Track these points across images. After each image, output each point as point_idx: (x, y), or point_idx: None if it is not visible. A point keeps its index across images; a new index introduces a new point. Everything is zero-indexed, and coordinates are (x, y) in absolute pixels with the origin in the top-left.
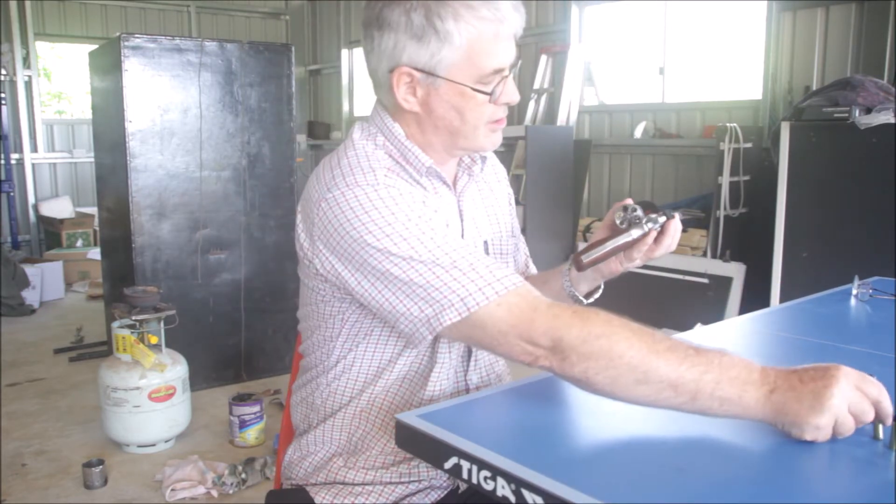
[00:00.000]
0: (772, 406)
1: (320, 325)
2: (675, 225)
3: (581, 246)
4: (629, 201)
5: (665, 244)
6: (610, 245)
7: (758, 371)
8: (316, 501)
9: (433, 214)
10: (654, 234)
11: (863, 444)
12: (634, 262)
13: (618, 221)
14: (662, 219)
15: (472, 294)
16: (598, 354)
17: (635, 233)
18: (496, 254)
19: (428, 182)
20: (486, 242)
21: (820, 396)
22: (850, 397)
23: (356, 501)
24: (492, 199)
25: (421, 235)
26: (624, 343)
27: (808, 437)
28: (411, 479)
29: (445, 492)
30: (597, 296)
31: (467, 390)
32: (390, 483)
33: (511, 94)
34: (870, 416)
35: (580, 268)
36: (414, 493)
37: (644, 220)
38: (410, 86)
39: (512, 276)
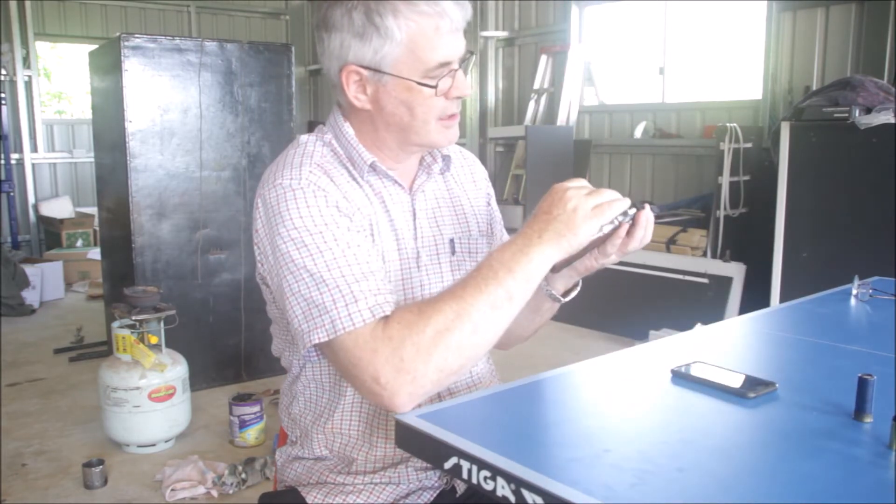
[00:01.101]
0: (549, 245)
1: (277, 328)
2: (647, 216)
3: None
4: None
5: (638, 236)
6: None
7: (519, 237)
8: (308, 501)
9: (346, 221)
10: (625, 227)
11: (863, 444)
12: (610, 258)
13: None
14: (633, 211)
15: (340, 318)
16: (433, 345)
17: (606, 228)
18: (464, 252)
19: (376, 180)
20: (451, 241)
21: (561, 206)
22: (576, 189)
23: (347, 500)
24: (464, 198)
25: (321, 245)
26: (439, 317)
27: (584, 225)
28: (402, 480)
29: (437, 492)
30: (574, 293)
31: (450, 394)
32: (381, 483)
33: (461, 87)
34: (607, 193)
35: (554, 269)
36: (406, 495)
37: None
38: (360, 84)
39: (383, 303)
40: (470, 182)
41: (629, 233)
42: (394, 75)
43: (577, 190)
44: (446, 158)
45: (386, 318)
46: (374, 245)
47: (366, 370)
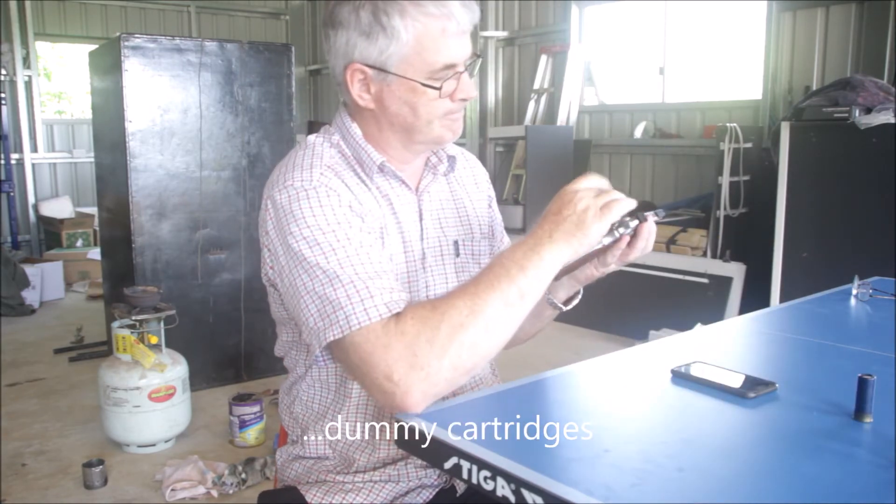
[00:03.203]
0: (559, 241)
1: (283, 329)
2: (649, 227)
3: None
4: None
5: (639, 247)
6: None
7: (530, 237)
8: (307, 500)
9: (358, 221)
10: (626, 239)
11: (863, 444)
12: (610, 267)
13: None
14: (634, 223)
15: (356, 314)
16: (448, 341)
17: (606, 240)
18: (467, 255)
19: (383, 181)
20: (455, 243)
21: (571, 207)
22: (585, 188)
23: (346, 499)
24: (466, 200)
25: (335, 243)
26: (454, 313)
27: (595, 226)
28: (401, 478)
29: (436, 490)
30: (576, 302)
31: (451, 394)
32: (380, 481)
33: (467, 90)
34: (605, 191)
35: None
36: (405, 493)
37: (616, 226)
38: (364, 83)
39: (396, 300)
40: (472, 184)
41: (630, 244)
42: (398, 75)
43: (586, 191)
44: (451, 159)
45: (399, 314)
46: (383, 248)
47: (378, 366)
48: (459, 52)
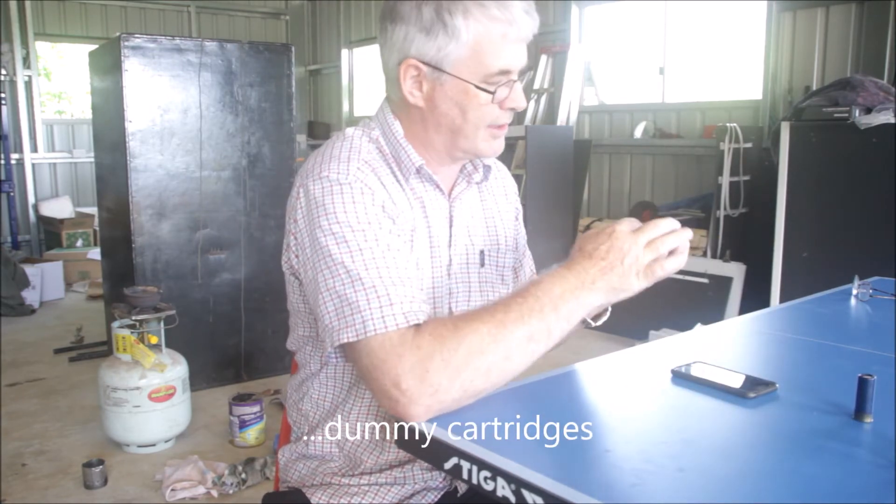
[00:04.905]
0: (600, 291)
1: (300, 322)
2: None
3: None
4: (631, 220)
5: (675, 262)
6: None
7: (566, 276)
8: (312, 502)
9: (388, 223)
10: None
11: (863, 444)
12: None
13: None
14: None
15: (373, 319)
16: (463, 365)
17: None
18: (492, 266)
19: (418, 183)
20: (482, 252)
21: (619, 257)
22: (636, 238)
23: (353, 501)
24: (495, 210)
25: (362, 243)
26: (474, 337)
27: (636, 289)
28: (406, 481)
29: (441, 493)
30: (605, 318)
31: None
32: (386, 484)
33: (518, 99)
34: (667, 243)
35: None
36: (410, 496)
37: None
38: (417, 79)
39: (416, 311)
40: (502, 195)
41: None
42: (453, 75)
43: (635, 243)
44: (487, 168)
45: (418, 326)
46: (411, 252)
47: (388, 374)
48: (516, 60)
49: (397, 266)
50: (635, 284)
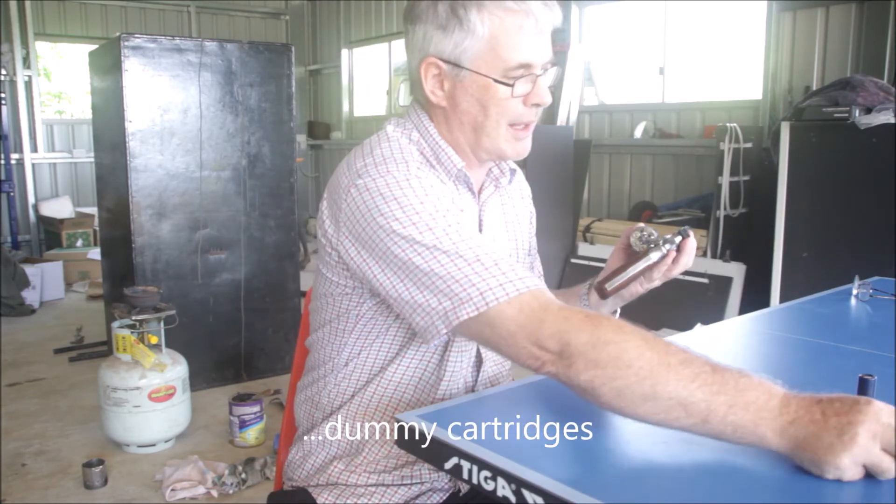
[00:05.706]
0: (789, 439)
1: (333, 319)
2: (691, 243)
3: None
4: (642, 225)
5: (683, 262)
6: (632, 271)
7: (778, 397)
8: (318, 502)
9: (460, 213)
10: (672, 254)
11: None
12: (654, 283)
13: (634, 246)
14: (678, 238)
15: (492, 289)
16: (606, 362)
17: (655, 256)
18: None
19: (454, 186)
20: None
21: (842, 434)
22: (881, 435)
23: (358, 502)
24: (513, 214)
25: (447, 227)
26: (634, 352)
27: (830, 476)
28: (413, 481)
29: (447, 494)
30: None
31: (451, 395)
32: (392, 485)
33: (541, 95)
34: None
35: (604, 295)
36: (416, 496)
37: (661, 243)
38: (438, 78)
39: (531, 277)
40: (519, 199)
41: (674, 259)
42: (472, 71)
43: (882, 432)
44: (513, 172)
45: (574, 310)
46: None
47: (530, 336)
48: (536, 53)
49: (489, 244)
50: (831, 466)
